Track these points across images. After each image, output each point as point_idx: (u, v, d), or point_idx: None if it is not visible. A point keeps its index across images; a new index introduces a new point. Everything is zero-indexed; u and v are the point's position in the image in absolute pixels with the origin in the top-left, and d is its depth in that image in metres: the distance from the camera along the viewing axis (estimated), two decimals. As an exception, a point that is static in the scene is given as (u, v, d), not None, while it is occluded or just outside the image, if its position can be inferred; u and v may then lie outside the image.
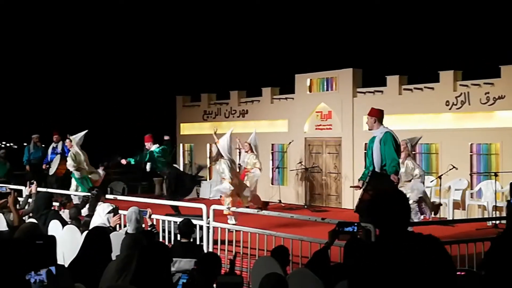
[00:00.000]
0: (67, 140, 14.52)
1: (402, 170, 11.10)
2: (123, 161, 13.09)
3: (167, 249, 5.13)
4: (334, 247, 6.02)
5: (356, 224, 5.05)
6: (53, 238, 3.45)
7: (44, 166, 16.02)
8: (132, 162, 13.25)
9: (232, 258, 5.75)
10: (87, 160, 14.21)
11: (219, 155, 11.36)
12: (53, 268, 3.25)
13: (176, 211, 11.92)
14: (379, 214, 3.41)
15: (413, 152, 12.40)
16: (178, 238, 8.11)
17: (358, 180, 9.79)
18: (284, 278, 4.62)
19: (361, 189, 9.06)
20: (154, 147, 13.12)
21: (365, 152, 15.24)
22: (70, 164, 14.02)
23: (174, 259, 6.34)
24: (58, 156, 15.48)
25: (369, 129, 9.55)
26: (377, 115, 9.43)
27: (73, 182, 14.20)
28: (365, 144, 15.00)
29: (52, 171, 15.32)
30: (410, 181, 11.49)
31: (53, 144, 16.21)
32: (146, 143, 13.31)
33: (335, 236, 5.34)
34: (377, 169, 9.14)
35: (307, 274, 5.36)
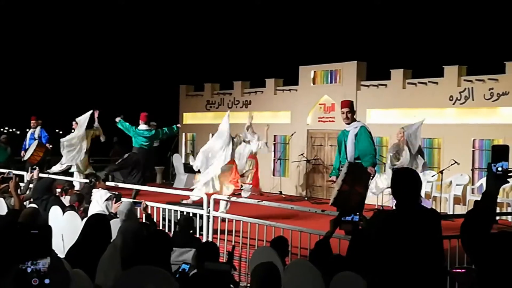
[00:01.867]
0: (74, 123, 14.59)
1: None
2: (117, 119, 13.56)
3: (168, 238, 5.15)
4: (333, 239, 6.02)
5: (358, 213, 5.06)
6: (48, 228, 3.44)
7: (22, 154, 15.90)
8: (119, 124, 13.60)
9: (230, 250, 5.77)
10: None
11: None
12: (48, 259, 3.25)
13: (135, 196, 11.95)
14: (397, 189, 4.29)
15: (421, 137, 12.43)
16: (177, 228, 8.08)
17: (329, 176, 9.43)
18: (276, 267, 4.62)
19: (340, 180, 8.71)
20: (144, 127, 13.51)
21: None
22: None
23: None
24: (35, 142, 15.20)
25: (346, 123, 8.99)
26: (353, 107, 9.03)
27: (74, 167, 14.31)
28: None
29: (26, 157, 15.04)
30: None
31: (31, 130, 16.01)
32: (142, 121, 13.62)
33: (336, 225, 5.35)
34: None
35: (305, 265, 5.38)
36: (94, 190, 8.96)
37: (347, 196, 8.41)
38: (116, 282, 4.10)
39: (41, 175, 10.46)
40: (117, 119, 13.60)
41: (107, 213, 7.91)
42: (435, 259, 4.20)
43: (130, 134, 13.62)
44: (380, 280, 4.21)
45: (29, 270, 3.19)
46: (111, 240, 5.64)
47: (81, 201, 9.29)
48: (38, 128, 15.78)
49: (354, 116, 9.10)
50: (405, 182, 4.32)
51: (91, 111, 14.55)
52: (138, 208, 7.93)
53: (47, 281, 3.17)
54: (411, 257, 4.11)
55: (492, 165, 3.34)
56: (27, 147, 15.69)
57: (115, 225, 6.25)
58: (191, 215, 9.39)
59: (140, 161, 13.43)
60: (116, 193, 8.55)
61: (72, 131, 14.66)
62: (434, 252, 4.20)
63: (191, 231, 7.56)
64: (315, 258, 5.46)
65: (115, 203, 8.15)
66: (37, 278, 3.19)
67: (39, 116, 16.35)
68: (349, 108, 8.96)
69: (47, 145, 15.46)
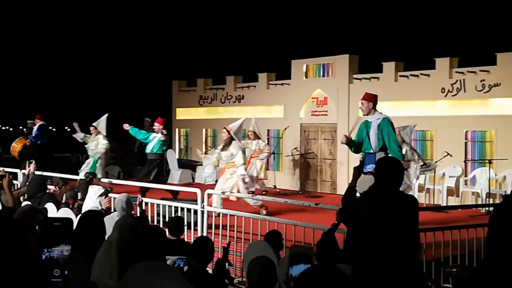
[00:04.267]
0: (91, 128, 14.80)
1: None
2: (126, 126, 13.66)
3: (163, 233, 5.16)
4: (336, 233, 6.00)
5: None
6: (70, 221, 3.56)
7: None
8: (130, 131, 13.76)
9: (226, 246, 5.78)
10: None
11: (231, 139, 11.08)
12: (62, 247, 3.35)
13: (174, 196, 12.01)
14: (381, 174, 4.57)
15: (412, 139, 12.43)
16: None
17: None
18: (272, 261, 4.65)
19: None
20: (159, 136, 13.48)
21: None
22: (105, 145, 14.50)
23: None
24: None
25: (364, 114, 9.36)
26: (373, 100, 9.31)
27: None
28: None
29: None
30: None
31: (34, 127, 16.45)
32: (156, 124, 13.62)
33: (351, 194, 5.31)
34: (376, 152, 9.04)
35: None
36: (89, 187, 8.98)
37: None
38: (124, 278, 4.08)
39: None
40: (126, 126, 13.84)
41: (100, 208, 7.92)
42: (411, 241, 4.50)
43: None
44: (361, 261, 4.39)
45: (43, 257, 3.28)
46: (106, 237, 5.64)
47: (76, 198, 9.30)
48: (37, 125, 16.08)
49: (371, 107, 9.28)
50: (388, 169, 4.63)
51: (107, 114, 14.83)
52: (134, 203, 7.93)
53: (57, 272, 3.27)
54: (388, 236, 4.40)
55: None
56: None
57: (108, 221, 6.25)
58: (185, 210, 9.42)
59: None
60: (108, 189, 8.56)
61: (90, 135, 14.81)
62: (409, 233, 4.50)
63: (181, 233, 7.42)
64: (319, 250, 5.50)
65: (105, 199, 8.17)
66: (58, 269, 3.29)
67: (35, 114, 16.63)
68: (365, 100, 9.29)
69: (27, 140, 15.67)
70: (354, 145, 9.37)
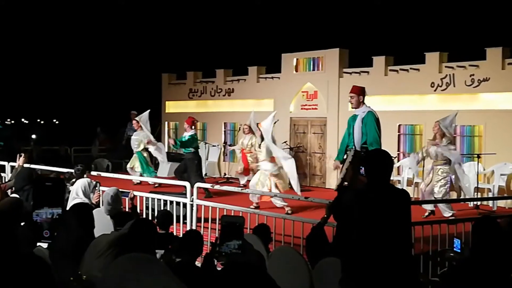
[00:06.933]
0: (134, 122, 14.75)
1: (433, 151, 10.89)
2: (171, 141, 13.84)
3: (154, 226, 5.13)
4: (326, 227, 6.01)
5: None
6: (61, 181, 3.62)
7: None
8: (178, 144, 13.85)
9: (214, 241, 5.77)
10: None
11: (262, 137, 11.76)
12: (59, 210, 3.41)
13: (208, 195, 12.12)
14: (370, 168, 4.48)
15: (453, 135, 11.91)
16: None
17: (334, 161, 9.35)
18: (261, 254, 4.73)
19: (344, 168, 8.74)
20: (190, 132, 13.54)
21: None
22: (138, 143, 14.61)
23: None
24: None
25: (353, 108, 9.23)
26: (362, 93, 9.23)
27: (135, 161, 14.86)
28: (350, 124, 15.10)
29: None
30: (446, 161, 10.95)
31: None
32: (188, 125, 13.60)
33: (336, 204, 5.36)
34: (357, 148, 8.95)
35: (289, 252, 5.41)
36: (78, 180, 8.90)
37: (351, 184, 8.38)
38: (108, 269, 4.06)
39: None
40: (172, 141, 13.94)
41: (93, 203, 7.88)
42: (403, 235, 4.42)
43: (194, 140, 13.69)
44: (352, 257, 4.37)
45: (35, 219, 3.30)
46: (95, 230, 5.61)
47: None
48: None
49: (361, 101, 9.15)
50: (377, 162, 4.53)
51: (149, 110, 14.91)
52: (126, 198, 7.90)
53: (46, 233, 3.31)
54: (381, 232, 4.30)
55: None
56: None
57: (96, 214, 6.21)
58: (174, 203, 9.39)
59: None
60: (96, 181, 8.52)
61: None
62: (402, 228, 4.42)
63: (170, 226, 7.38)
64: (309, 244, 5.50)
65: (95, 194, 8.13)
66: (48, 231, 3.32)
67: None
68: (354, 93, 9.15)
69: None
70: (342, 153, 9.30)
